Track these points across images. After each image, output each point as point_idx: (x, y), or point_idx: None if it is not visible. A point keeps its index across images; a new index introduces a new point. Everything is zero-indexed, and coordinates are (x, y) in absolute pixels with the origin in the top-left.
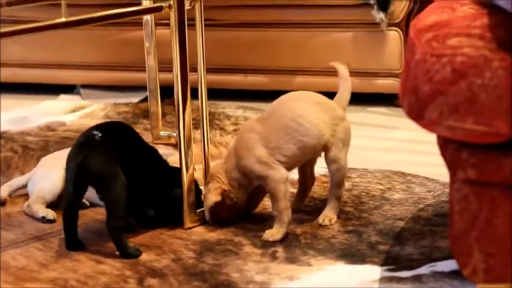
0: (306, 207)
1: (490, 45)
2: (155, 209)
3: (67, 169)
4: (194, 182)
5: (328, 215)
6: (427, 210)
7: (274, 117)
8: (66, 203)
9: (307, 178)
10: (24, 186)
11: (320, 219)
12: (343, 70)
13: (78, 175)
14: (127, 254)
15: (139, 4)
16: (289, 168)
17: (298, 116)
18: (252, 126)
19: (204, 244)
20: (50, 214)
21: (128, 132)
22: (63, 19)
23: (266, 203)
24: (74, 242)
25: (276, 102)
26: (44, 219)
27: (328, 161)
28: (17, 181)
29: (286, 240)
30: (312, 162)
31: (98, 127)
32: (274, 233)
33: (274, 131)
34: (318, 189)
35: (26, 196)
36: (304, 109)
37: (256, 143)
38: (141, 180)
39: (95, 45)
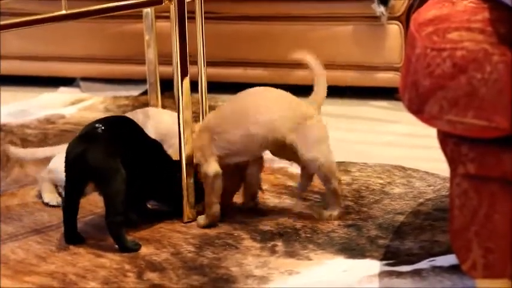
0: (306, 201)
1: (491, 39)
2: (161, 202)
3: (66, 161)
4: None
5: (329, 213)
6: (427, 204)
7: (230, 106)
8: (66, 195)
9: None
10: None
11: (319, 216)
12: (315, 64)
13: (76, 167)
14: (126, 248)
15: None
16: (229, 158)
17: (253, 106)
18: (212, 112)
19: (203, 238)
20: (54, 200)
21: (131, 127)
22: (64, 12)
23: (265, 196)
24: (73, 236)
25: (238, 94)
26: (47, 205)
27: (305, 163)
28: (38, 152)
29: (285, 234)
30: None
31: (101, 120)
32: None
33: (226, 117)
34: (318, 183)
35: (26, 188)
36: (262, 102)
37: (204, 128)
38: (145, 174)
39: (94, 38)
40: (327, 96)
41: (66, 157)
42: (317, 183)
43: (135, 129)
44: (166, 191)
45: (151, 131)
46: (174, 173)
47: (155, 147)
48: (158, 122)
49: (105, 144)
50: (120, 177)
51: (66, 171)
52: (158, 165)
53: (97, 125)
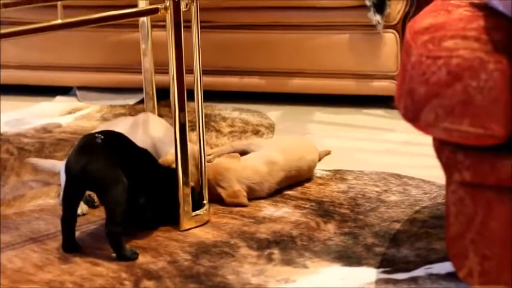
0: (302, 209)
1: (486, 47)
2: (155, 211)
3: (68, 173)
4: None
5: None
6: (423, 212)
7: None
8: (66, 205)
9: None
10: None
11: None
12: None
13: (79, 180)
14: (124, 257)
15: (136, 6)
16: None
17: None
18: None
19: (200, 246)
20: (80, 209)
21: (122, 138)
22: (59, 21)
23: (262, 205)
24: (70, 245)
25: None
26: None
27: None
28: (47, 163)
29: (282, 242)
30: None
31: (96, 133)
32: None
33: None
34: (313, 192)
35: (23, 197)
36: None
37: None
38: (140, 183)
39: (91, 47)
40: (322, 105)
41: (68, 171)
42: (313, 191)
43: (126, 140)
44: (162, 198)
45: (141, 139)
46: (168, 180)
47: (146, 155)
48: (151, 129)
49: (106, 154)
50: (122, 187)
51: (67, 183)
52: (152, 173)
53: (95, 135)
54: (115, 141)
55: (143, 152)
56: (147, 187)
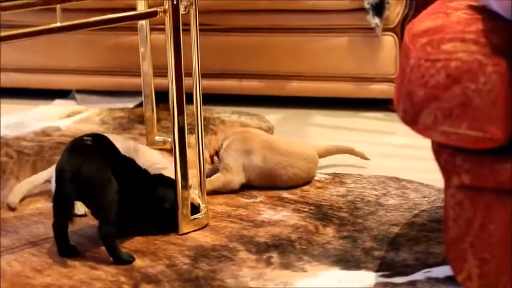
0: (301, 213)
1: (485, 50)
2: (143, 215)
3: (60, 177)
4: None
5: None
6: (422, 216)
7: None
8: (58, 210)
9: None
10: (45, 181)
11: None
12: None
13: (74, 183)
14: (120, 259)
15: (134, 9)
16: None
17: None
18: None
19: (198, 250)
20: (82, 209)
21: (108, 141)
22: (58, 24)
23: (260, 208)
24: (66, 249)
25: None
26: (75, 214)
27: None
28: (37, 177)
29: (281, 245)
30: None
31: (85, 135)
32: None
33: None
34: (312, 195)
35: (22, 201)
36: None
37: None
38: (128, 185)
39: (90, 50)
40: (321, 108)
41: (61, 174)
42: (312, 195)
43: (111, 143)
44: (149, 203)
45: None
46: (156, 184)
47: (130, 162)
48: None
49: (97, 156)
50: (113, 188)
51: (59, 187)
52: (138, 176)
53: (84, 138)
54: (103, 143)
55: (126, 157)
56: (135, 189)
